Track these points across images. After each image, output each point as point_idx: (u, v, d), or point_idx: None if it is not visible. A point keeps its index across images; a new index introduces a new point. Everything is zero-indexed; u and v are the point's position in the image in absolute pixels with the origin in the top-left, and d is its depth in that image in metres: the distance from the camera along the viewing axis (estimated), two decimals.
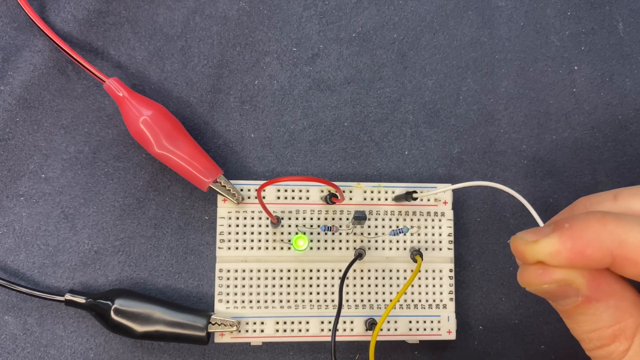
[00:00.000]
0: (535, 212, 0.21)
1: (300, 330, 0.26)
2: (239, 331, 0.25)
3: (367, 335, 0.26)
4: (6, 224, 0.26)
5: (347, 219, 0.26)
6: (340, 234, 0.26)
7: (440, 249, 0.27)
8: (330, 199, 0.25)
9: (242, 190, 0.26)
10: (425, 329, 0.26)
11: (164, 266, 0.27)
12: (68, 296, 0.25)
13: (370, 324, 0.26)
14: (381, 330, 0.26)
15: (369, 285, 0.26)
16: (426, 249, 0.27)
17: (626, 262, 0.16)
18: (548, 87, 0.29)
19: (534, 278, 0.17)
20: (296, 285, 0.26)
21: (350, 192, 0.27)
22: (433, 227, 0.27)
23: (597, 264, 0.16)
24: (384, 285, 0.26)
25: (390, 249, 0.27)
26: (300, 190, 0.26)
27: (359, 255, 0.26)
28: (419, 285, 0.27)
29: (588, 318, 0.17)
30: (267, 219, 0.26)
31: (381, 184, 0.27)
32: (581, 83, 0.30)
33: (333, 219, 0.26)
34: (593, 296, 0.17)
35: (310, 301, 0.26)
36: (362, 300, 0.26)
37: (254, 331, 0.25)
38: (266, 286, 0.26)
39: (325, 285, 0.26)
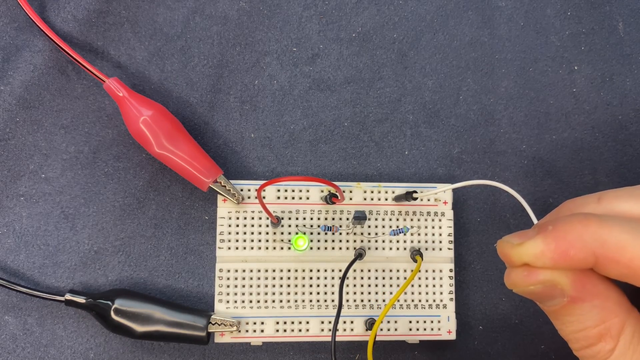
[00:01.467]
0: (531, 210, 0.21)
1: (300, 330, 0.26)
2: (239, 331, 0.25)
3: (367, 335, 0.26)
4: (6, 224, 0.26)
5: (347, 219, 0.26)
6: (340, 234, 0.26)
7: (440, 249, 0.27)
8: (330, 199, 0.25)
9: (242, 190, 0.26)
10: (425, 329, 0.26)
11: (164, 266, 0.27)
12: (68, 296, 0.25)
13: (370, 324, 0.26)
14: (381, 330, 0.26)
15: (369, 285, 0.26)
16: (426, 249, 0.27)
17: (608, 261, 0.16)
18: (548, 87, 0.29)
19: (519, 280, 0.17)
20: (296, 285, 0.26)
21: (350, 192, 0.27)
22: (433, 227, 0.27)
23: (580, 264, 0.16)
24: (384, 285, 0.26)
25: (390, 249, 0.27)
26: (300, 190, 0.26)
27: (359, 255, 0.26)
28: (419, 285, 0.27)
29: (574, 318, 0.17)
30: (267, 219, 0.26)
31: (381, 184, 0.27)
32: (581, 83, 0.30)
33: (333, 219, 0.26)
34: (578, 297, 0.17)
35: (310, 301, 0.26)
36: (362, 300, 0.26)
37: (254, 331, 0.25)
38: (266, 286, 0.26)
39: (325, 285, 0.26)
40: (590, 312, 0.17)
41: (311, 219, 0.26)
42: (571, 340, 0.18)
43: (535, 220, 0.20)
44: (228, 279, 0.26)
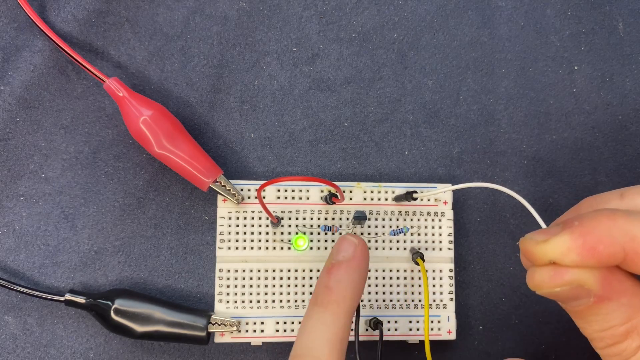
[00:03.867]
0: (537, 213, 0.20)
1: None
2: (239, 331, 0.25)
3: (366, 335, 0.26)
4: (6, 224, 0.26)
5: (347, 219, 0.26)
6: (340, 234, 0.26)
7: (440, 249, 0.27)
8: (330, 199, 0.25)
9: (242, 190, 0.26)
10: None
11: (164, 266, 0.27)
12: (68, 296, 0.25)
13: (375, 324, 0.26)
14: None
15: (369, 285, 0.26)
16: (426, 249, 0.27)
17: (638, 257, 0.16)
18: (548, 87, 0.29)
19: (545, 281, 0.16)
20: (296, 285, 0.26)
21: (350, 192, 0.27)
22: (433, 227, 0.27)
23: (609, 260, 0.16)
24: (384, 286, 0.26)
25: (390, 249, 0.27)
26: (300, 190, 0.26)
27: None
28: (419, 286, 0.27)
29: (600, 317, 0.17)
30: (267, 219, 0.26)
31: (381, 184, 0.27)
32: (581, 83, 0.30)
33: (333, 219, 0.26)
34: (605, 296, 0.16)
35: None
36: (362, 300, 0.26)
37: (254, 331, 0.25)
38: (266, 286, 0.26)
39: None
40: (617, 310, 0.16)
41: (311, 219, 0.26)
42: (595, 338, 0.17)
43: (541, 222, 0.20)
44: (228, 279, 0.26)
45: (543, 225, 0.20)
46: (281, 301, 0.26)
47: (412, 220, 0.27)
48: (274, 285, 0.26)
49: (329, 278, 0.21)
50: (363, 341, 0.26)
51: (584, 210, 0.19)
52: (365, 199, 0.27)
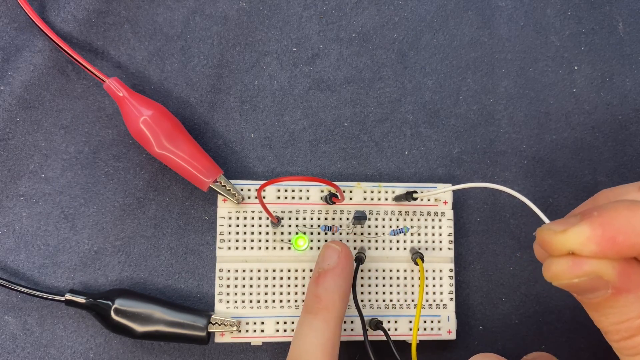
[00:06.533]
0: (540, 212, 0.20)
1: None
2: (239, 331, 0.25)
3: (370, 335, 0.26)
4: (6, 224, 0.26)
5: (347, 219, 0.26)
6: (340, 234, 0.26)
7: (440, 249, 0.27)
8: (331, 199, 0.25)
9: (242, 190, 0.26)
10: (425, 329, 0.26)
11: (164, 266, 0.27)
12: (68, 296, 0.25)
13: (376, 324, 0.26)
14: (381, 330, 0.26)
15: (369, 285, 0.26)
16: (426, 249, 0.27)
17: None
18: (548, 87, 0.29)
19: (563, 271, 0.16)
20: (296, 285, 0.26)
21: (350, 192, 0.27)
22: (433, 227, 0.27)
23: (628, 251, 0.16)
24: (384, 285, 0.26)
25: (391, 249, 0.27)
26: (301, 190, 0.26)
27: (359, 260, 0.26)
28: (419, 285, 0.27)
29: (617, 310, 0.16)
30: (267, 219, 0.26)
31: (381, 184, 0.27)
32: (581, 83, 0.30)
33: (333, 219, 0.26)
34: (623, 288, 0.16)
35: None
36: (362, 300, 0.26)
37: (254, 331, 0.25)
38: (266, 286, 0.26)
39: None
40: (635, 303, 0.16)
41: (311, 219, 0.26)
42: (611, 331, 0.17)
43: (546, 220, 0.20)
44: (228, 279, 0.26)
45: (547, 222, 0.20)
46: (281, 301, 0.26)
47: (412, 220, 0.27)
48: (274, 285, 0.26)
49: (317, 287, 0.23)
50: (361, 341, 0.26)
51: (601, 202, 0.19)
52: (365, 199, 0.27)
